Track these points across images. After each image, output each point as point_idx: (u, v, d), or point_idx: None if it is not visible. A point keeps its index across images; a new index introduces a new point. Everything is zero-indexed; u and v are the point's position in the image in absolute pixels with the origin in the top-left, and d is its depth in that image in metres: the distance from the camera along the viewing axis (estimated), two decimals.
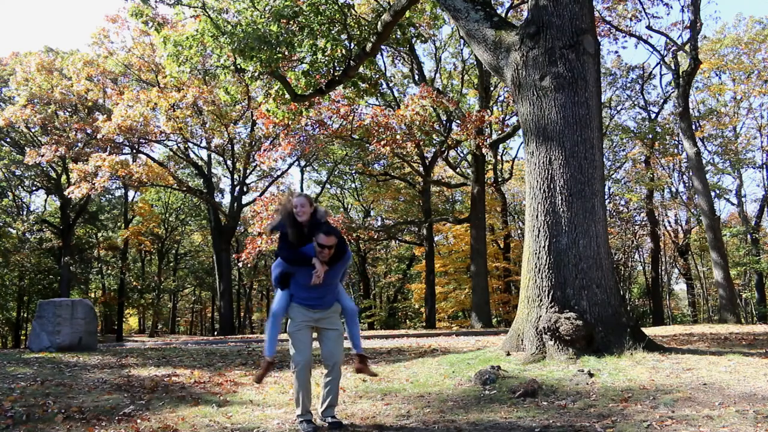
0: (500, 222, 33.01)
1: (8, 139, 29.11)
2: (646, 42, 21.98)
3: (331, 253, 4.28)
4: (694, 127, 21.78)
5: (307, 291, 4.35)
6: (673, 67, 20.29)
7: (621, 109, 29.60)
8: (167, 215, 39.12)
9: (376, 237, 29.23)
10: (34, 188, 33.19)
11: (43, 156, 23.00)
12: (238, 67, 11.36)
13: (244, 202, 29.47)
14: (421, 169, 26.76)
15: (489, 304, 23.54)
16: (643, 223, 30.12)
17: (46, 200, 35.72)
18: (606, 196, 24.00)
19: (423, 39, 17.75)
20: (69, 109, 26.78)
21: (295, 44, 11.07)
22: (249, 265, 30.36)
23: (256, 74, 11.35)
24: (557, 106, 7.48)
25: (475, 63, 23.81)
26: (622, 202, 30.17)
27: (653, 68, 30.98)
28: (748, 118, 28.57)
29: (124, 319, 38.17)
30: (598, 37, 13.80)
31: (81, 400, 5.23)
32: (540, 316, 7.04)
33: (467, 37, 8.64)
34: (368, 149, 23.88)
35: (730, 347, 8.44)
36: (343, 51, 11.52)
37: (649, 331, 11.29)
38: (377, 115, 20.09)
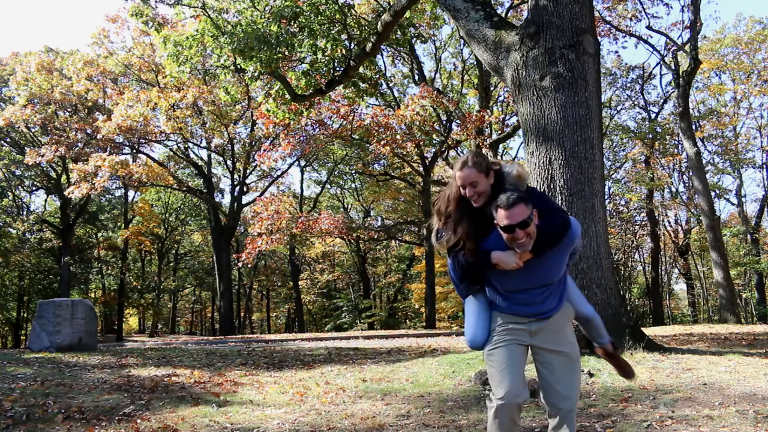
0: None
1: (8, 139, 29.13)
2: (646, 42, 21.98)
3: (532, 234, 2.58)
4: (694, 127, 21.77)
5: (509, 297, 2.74)
6: (673, 67, 20.27)
7: (621, 109, 29.61)
8: (167, 215, 39.13)
9: (376, 237, 29.24)
10: (34, 188, 33.21)
11: (43, 156, 23.02)
12: (238, 67, 11.36)
13: (244, 202, 29.49)
14: (421, 169, 26.75)
15: None
16: (643, 223, 30.11)
17: (46, 200, 35.76)
18: (606, 196, 23.98)
19: (423, 39, 17.76)
20: (69, 109, 26.78)
21: (295, 44, 11.08)
22: (249, 265, 30.36)
23: (256, 74, 11.35)
24: (557, 106, 7.47)
25: (475, 63, 23.79)
26: (622, 202, 30.14)
27: (653, 68, 31.09)
28: (748, 118, 28.60)
29: (124, 319, 38.17)
30: (598, 37, 13.78)
31: (81, 400, 5.22)
32: None
33: (467, 37, 8.63)
34: (368, 149, 23.88)
35: (730, 347, 8.44)
36: (343, 51, 11.53)
37: (649, 331, 11.29)
38: (377, 115, 20.10)
